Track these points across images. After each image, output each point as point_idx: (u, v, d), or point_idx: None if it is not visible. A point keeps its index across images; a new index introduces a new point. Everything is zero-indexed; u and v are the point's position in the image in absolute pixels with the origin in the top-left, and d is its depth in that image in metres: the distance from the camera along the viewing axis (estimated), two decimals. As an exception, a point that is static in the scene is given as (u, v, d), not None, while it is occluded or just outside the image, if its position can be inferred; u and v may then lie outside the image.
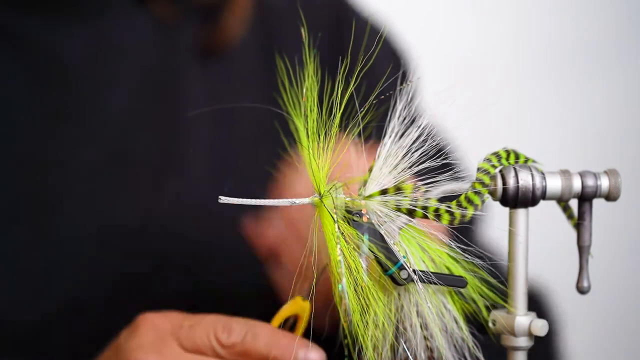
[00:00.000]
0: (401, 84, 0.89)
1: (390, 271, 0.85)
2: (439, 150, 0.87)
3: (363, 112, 0.88)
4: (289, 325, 0.93)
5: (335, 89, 0.87)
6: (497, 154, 0.87)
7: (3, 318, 1.24)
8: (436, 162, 0.86)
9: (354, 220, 0.86)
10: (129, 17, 1.31)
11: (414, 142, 0.86)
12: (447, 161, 0.86)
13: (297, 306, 0.92)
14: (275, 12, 1.36)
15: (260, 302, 1.28)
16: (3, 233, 1.26)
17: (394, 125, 0.87)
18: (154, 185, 1.30)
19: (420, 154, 0.86)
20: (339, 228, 0.85)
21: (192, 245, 1.31)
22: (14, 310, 1.25)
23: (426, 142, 0.86)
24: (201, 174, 1.32)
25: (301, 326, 0.92)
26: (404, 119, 0.87)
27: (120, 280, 1.28)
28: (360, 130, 0.88)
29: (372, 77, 0.87)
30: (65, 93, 1.29)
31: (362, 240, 0.85)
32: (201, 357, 0.91)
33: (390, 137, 0.87)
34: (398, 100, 0.88)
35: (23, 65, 1.29)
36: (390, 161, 0.86)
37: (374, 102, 0.87)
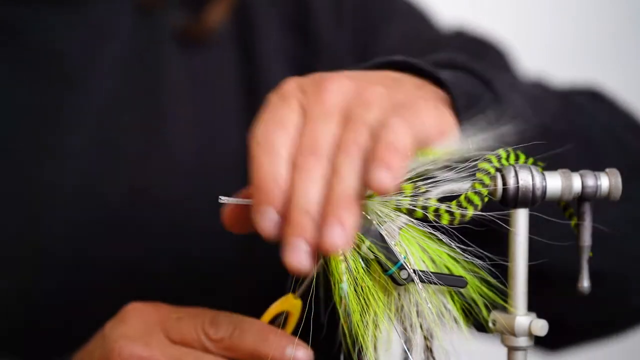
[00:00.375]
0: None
1: (390, 271, 0.85)
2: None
3: None
4: (280, 322, 0.92)
5: None
6: (497, 154, 0.87)
7: None
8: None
9: None
10: (113, 4, 1.32)
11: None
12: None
13: (288, 303, 0.91)
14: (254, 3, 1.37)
15: (251, 279, 1.29)
16: None
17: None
18: (140, 166, 1.30)
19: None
20: None
21: (180, 221, 1.31)
22: (2, 297, 1.25)
23: None
24: (185, 154, 1.32)
25: (291, 323, 0.92)
26: None
27: (111, 263, 1.28)
28: None
29: None
30: (51, 78, 1.30)
31: (363, 240, 0.85)
32: (188, 350, 0.90)
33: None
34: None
35: (10, 54, 1.30)
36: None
37: None
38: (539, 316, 0.87)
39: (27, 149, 1.29)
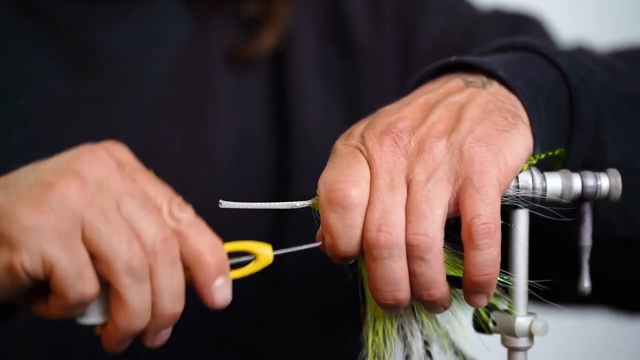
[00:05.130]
0: None
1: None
2: None
3: None
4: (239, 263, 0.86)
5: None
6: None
7: None
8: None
9: None
10: (167, 9, 1.31)
11: None
12: None
13: (261, 251, 0.86)
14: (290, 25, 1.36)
15: (278, 295, 1.28)
16: None
17: None
18: (183, 175, 1.30)
19: None
20: None
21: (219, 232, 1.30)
22: None
23: None
24: (228, 164, 1.32)
25: (249, 269, 0.86)
26: None
27: None
28: None
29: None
30: (99, 79, 1.29)
31: None
32: (145, 205, 0.83)
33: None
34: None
35: (57, 49, 1.29)
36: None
37: None
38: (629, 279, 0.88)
39: (61, 147, 1.28)
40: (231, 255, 0.85)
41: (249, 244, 0.86)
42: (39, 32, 1.28)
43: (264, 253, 0.86)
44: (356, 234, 0.81)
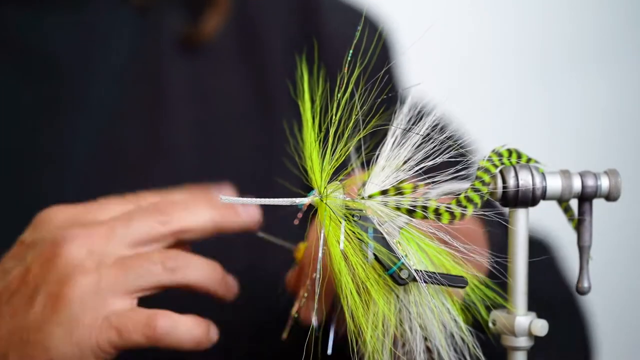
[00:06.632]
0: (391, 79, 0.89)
1: (392, 270, 0.85)
2: (450, 146, 0.86)
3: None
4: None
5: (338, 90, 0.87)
6: (499, 153, 0.87)
7: None
8: (437, 160, 0.86)
9: (357, 221, 0.86)
10: (112, 8, 1.32)
11: (416, 144, 0.86)
12: (452, 158, 0.85)
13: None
14: (254, 5, 1.38)
15: (254, 296, 1.29)
16: None
17: (395, 127, 0.87)
18: (142, 173, 1.30)
19: (424, 154, 0.86)
20: (347, 227, 0.85)
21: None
22: None
23: (429, 141, 0.86)
24: (187, 161, 1.32)
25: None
26: (408, 119, 0.87)
27: None
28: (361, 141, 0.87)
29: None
30: (50, 84, 1.30)
31: (369, 241, 0.85)
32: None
33: (391, 138, 0.86)
34: (399, 103, 0.88)
35: (7, 58, 1.30)
36: (390, 162, 0.86)
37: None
38: None
39: (25, 154, 1.28)
40: None
41: None
42: None
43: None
44: None
